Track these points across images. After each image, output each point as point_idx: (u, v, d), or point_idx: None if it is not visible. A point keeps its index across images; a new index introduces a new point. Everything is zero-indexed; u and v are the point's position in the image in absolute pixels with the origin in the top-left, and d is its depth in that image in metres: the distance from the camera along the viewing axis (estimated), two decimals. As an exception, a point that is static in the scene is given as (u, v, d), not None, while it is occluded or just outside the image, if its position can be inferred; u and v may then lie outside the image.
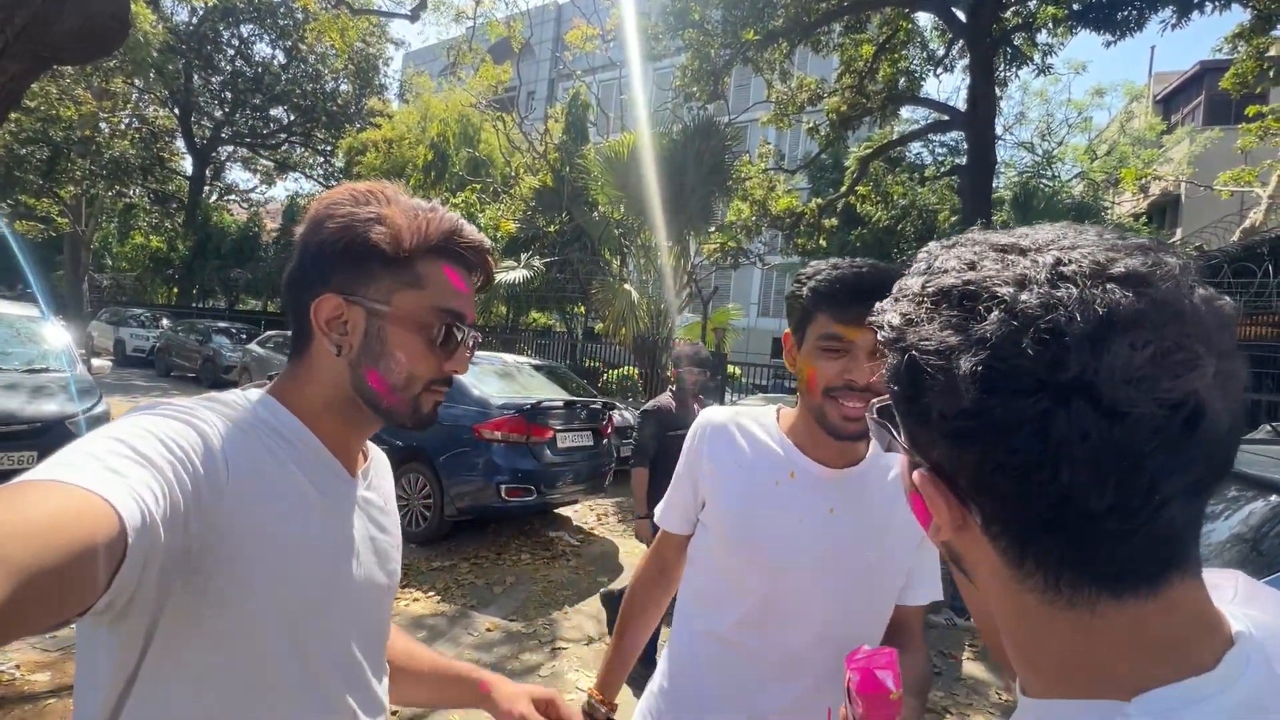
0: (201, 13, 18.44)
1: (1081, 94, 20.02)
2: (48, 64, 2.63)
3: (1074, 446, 0.30)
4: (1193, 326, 0.31)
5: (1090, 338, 0.30)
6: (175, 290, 22.50)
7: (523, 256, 10.54)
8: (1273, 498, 1.99)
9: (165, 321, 16.54)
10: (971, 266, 0.36)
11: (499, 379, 5.39)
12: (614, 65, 12.04)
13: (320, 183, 24.37)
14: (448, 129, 13.24)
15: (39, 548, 0.41)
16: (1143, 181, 14.91)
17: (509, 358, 6.03)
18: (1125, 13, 9.52)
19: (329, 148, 22.65)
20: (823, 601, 0.99)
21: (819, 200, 14.26)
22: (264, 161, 25.07)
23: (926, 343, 0.35)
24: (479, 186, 12.36)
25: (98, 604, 0.47)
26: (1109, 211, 13.76)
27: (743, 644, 1.01)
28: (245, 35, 20.85)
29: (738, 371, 11.72)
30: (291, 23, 19.04)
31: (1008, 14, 10.34)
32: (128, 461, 0.51)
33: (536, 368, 6.54)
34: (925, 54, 12.35)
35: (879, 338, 0.40)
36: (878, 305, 0.42)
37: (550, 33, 26.63)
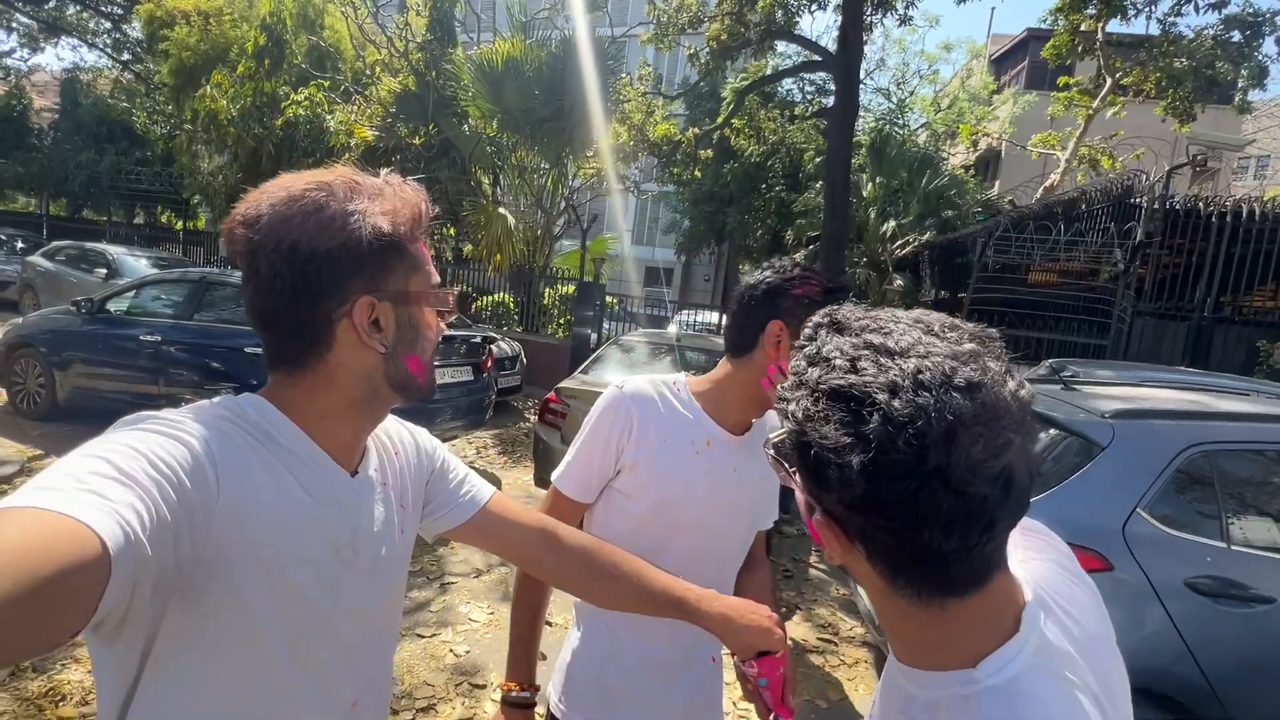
0: None
1: (933, 47, 21.60)
2: None
3: (932, 513, 0.43)
4: (1007, 417, 0.43)
5: (943, 438, 0.42)
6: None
7: (383, 171, 9.46)
8: (1052, 431, 2.47)
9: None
10: (853, 367, 0.46)
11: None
12: (484, -44, 10.82)
13: (109, 54, 19.80)
14: (283, 7, 11.23)
15: (10, 578, 0.40)
16: (974, 137, 16.68)
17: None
18: (976, -26, 10.22)
19: (119, 10, 18.34)
20: (725, 547, 1.17)
21: (695, 130, 14.30)
22: (22, 19, 19.75)
23: (825, 440, 0.45)
24: (326, 83, 10.78)
25: (89, 624, 0.47)
26: (946, 162, 15.30)
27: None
28: None
29: (613, 301, 11.84)
30: None
31: (880, -41, 10.67)
32: (110, 482, 0.50)
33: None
34: (802, -12, 12.48)
35: (785, 425, 0.50)
36: (780, 392, 0.52)
37: (405, -99, 23.12)
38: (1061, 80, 13.24)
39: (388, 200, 0.69)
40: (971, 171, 16.91)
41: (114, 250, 9.91)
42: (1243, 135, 17.63)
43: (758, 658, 0.95)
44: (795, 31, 12.41)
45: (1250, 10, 9.44)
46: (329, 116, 10.51)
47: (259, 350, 5.00)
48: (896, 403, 0.43)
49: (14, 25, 20.00)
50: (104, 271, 9.37)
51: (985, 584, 0.48)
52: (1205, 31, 10.33)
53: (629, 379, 1.17)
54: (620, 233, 17.80)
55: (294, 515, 0.65)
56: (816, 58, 11.93)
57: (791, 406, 0.49)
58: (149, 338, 4.96)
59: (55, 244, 10.42)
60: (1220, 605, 1.97)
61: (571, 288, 9.86)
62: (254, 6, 12.00)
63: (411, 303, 0.71)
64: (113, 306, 5.37)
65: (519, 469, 5.73)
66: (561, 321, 10.23)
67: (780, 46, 15.65)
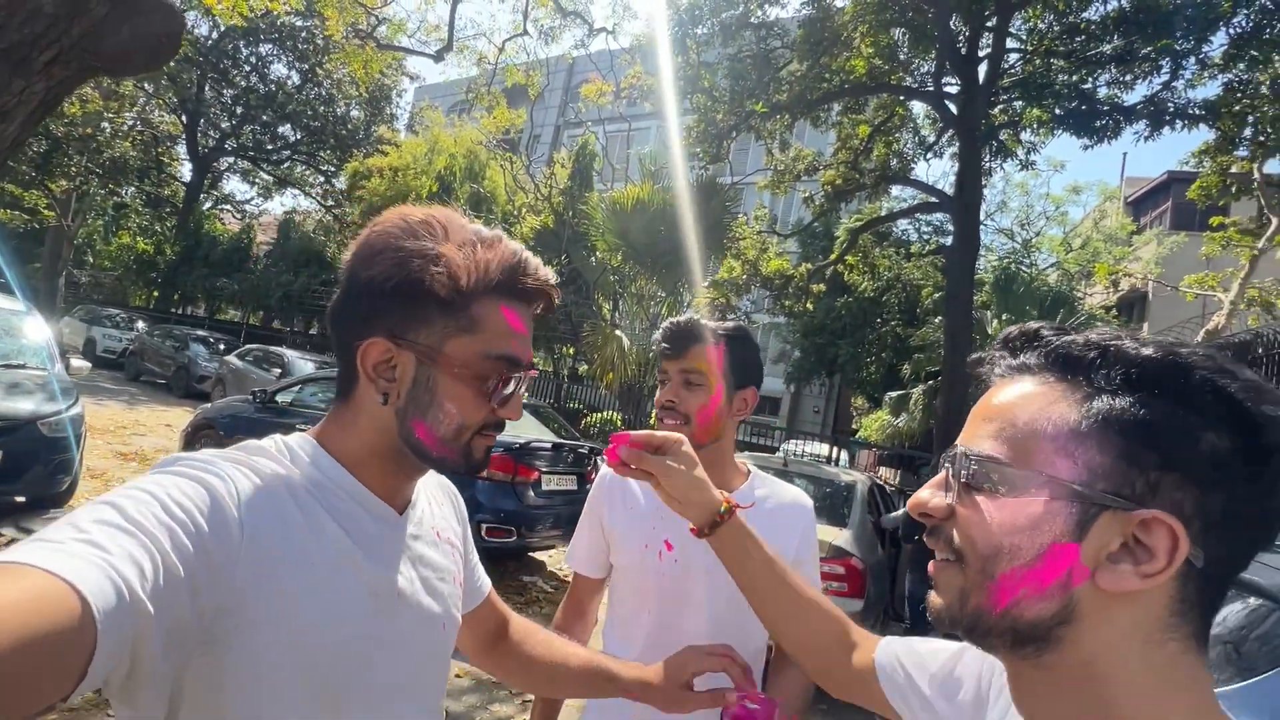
0: (223, 29, 18.82)
1: (1059, 190, 21.20)
2: (95, 73, 2.67)
3: None
4: None
5: None
6: (155, 294, 22.14)
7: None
8: (1253, 601, 2.05)
9: (141, 324, 16.20)
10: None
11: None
12: (623, 119, 12.49)
13: (318, 201, 24.50)
14: (455, 163, 13.52)
15: None
16: (1114, 277, 15.67)
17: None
18: (1102, 121, 10.20)
19: (332, 169, 22.90)
20: (712, 614, 1.12)
21: (808, 265, 14.72)
22: (264, 175, 25.20)
23: (1264, 399, 0.42)
24: (480, 220, 12.55)
25: (81, 689, 0.42)
26: (1081, 302, 14.38)
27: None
28: (263, 54, 21.27)
29: (719, 425, 11.78)
30: (311, 47, 19.50)
31: (996, 111, 11.01)
32: (113, 531, 0.46)
33: (523, 404, 6.53)
34: (918, 139, 13.05)
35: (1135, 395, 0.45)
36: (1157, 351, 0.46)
37: (561, 82, 27.59)
38: (1215, 220, 12.35)
39: (451, 251, 0.62)
40: (1114, 313, 15.71)
41: (289, 353, 11.59)
42: None
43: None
44: (910, 175, 12.81)
45: None
46: (478, 249, 12.08)
47: None
48: (1267, 388, 0.42)
49: (256, 180, 25.61)
50: (279, 370, 10.93)
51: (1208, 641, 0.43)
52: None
53: None
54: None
55: (329, 561, 0.60)
56: (933, 199, 12.16)
57: (1133, 348, 0.44)
58: (303, 426, 5.60)
59: (247, 347, 12.39)
60: None
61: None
62: (432, 163, 14.53)
63: (440, 364, 0.63)
64: (280, 398, 6.19)
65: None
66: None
67: (895, 189, 16.14)
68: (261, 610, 0.55)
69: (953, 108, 10.44)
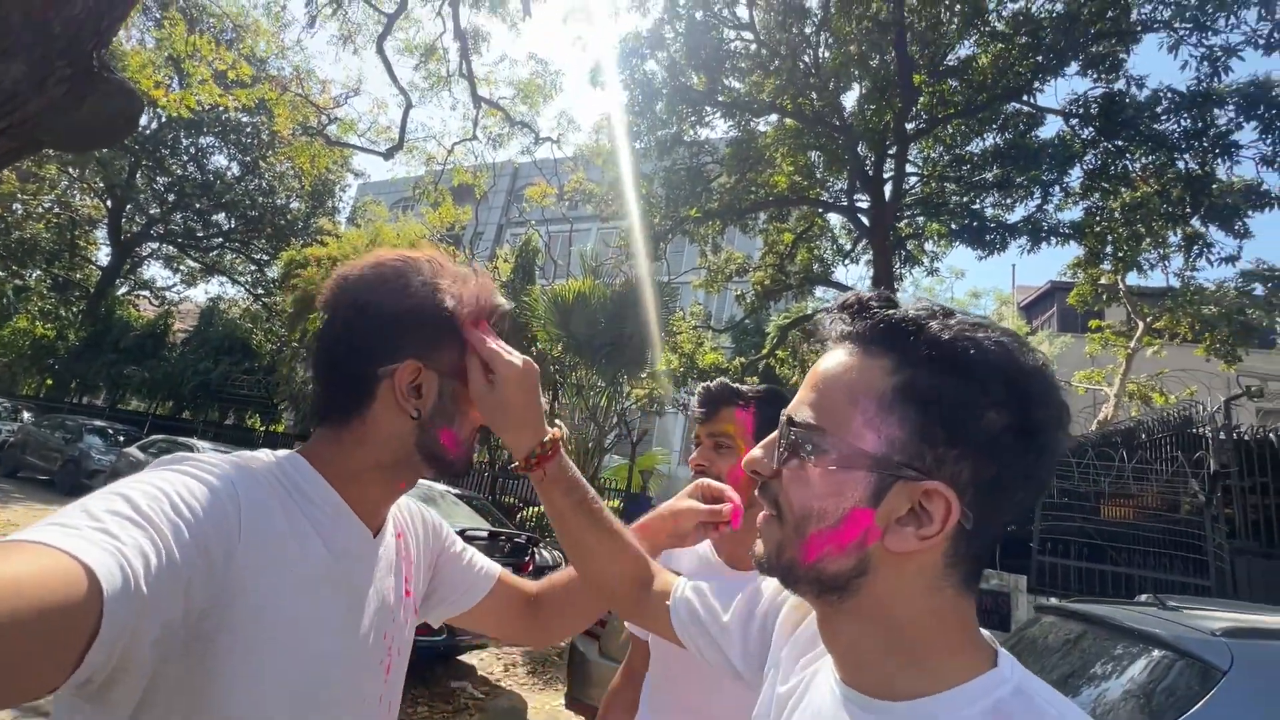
0: (164, 119, 18.84)
1: (962, 295, 23.48)
2: (40, 148, 2.66)
3: (1043, 474, 0.48)
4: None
5: (1062, 415, 0.49)
6: (50, 382, 20.31)
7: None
8: (1155, 653, 2.20)
9: (26, 415, 14.72)
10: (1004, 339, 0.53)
11: (421, 503, 5.12)
12: (565, 220, 13.12)
13: (247, 289, 23.79)
14: (396, 255, 13.64)
15: None
16: (1016, 373, 17.06)
17: (434, 484, 5.80)
18: (991, 236, 11.58)
19: (266, 257, 22.50)
20: (737, 697, 1.11)
21: (742, 359, 15.38)
22: (190, 262, 24.39)
23: (1023, 360, 0.48)
24: (420, 311, 12.53)
25: (71, 680, 0.42)
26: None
27: None
28: (204, 145, 21.30)
29: (659, 518, 11.60)
30: (256, 141, 19.74)
31: (902, 224, 12.33)
32: (124, 522, 0.47)
33: (459, 496, 6.28)
34: (836, 246, 14.32)
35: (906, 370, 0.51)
36: (935, 325, 0.51)
37: (505, 184, 28.86)
38: (1093, 324, 13.92)
39: (458, 282, 0.73)
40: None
41: (201, 444, 10.75)
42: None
43: None
44: (831, 278, 13.92)
45: (1266, 266, 10.11)
46: (416, 338, 11.96)
47: None
48: (1045, 370, 0.48)
49: (181, 267, 24.71)
50: (186, 464, 10.08)
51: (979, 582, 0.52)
52: (1226, 284, 10.99)
53: None
54: (671, 451, 18.10)
55: (312, 569, 0.63)
56: (853, 300, 13.12)
57: (939, 329, 0.48)
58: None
59: (151, 437, 11.42)
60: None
61: (619, 501, 9.83)
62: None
63: (460, 381, 0.73)
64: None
65: (549, 691, 5.16)
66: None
67: (819, 290, 17.38)
68: (244, 614, 0.56)
69: (865, 220, 11.62)
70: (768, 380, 17.12)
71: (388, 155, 9.01)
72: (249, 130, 19.94)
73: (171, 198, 21.67)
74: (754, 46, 10.93)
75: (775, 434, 0.56)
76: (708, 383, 1.25)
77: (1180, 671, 2.06)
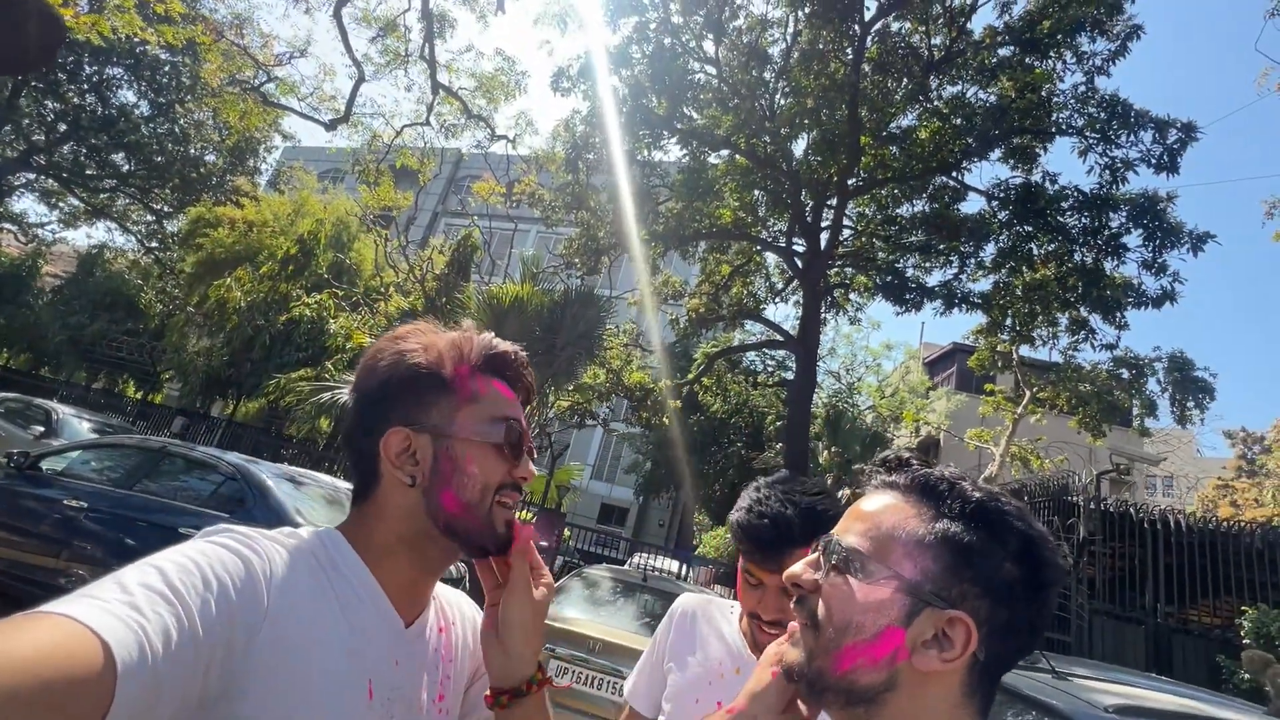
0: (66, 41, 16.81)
1: (876, 344, 25.06)
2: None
3: (1048, 618, 0.58)
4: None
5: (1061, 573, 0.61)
6: None
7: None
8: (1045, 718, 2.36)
9: None
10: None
11: (326, 505, 4.76)
12: (509, 219, 12.83)
13: (140, 240, 21.50)
14: (321, 229, 12.78)
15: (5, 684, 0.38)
16: (916, 424, 18.36)
17: (341, 484, 5.41)
18: (910, 296, 12.43)
19: (168, 209, 20.47)
20: None
21: (668, 381, 15.56)
22: (75, 201, 21.75)
23: (1031, 529, 0.58)
24: (341, 292, 11.77)
25: None
26: (892, 441, 16.58)
27: None
28: (111, 76, 19.14)
29: (568, 534, 11.43)
30: (174, 83, 17.97)
31: (832, 273, 12.99)
32: (155, 597, 0.48)
33: (364, 498, 5.89)
34: (769, 285, 14.88)
35: (954, 524, 0.58)
36: (968, 488, 0.60)
37: (447, 172, 27.95)
38: (988, 387, 15.18)
39: (428, 337, 0.73)
40: (915, 454, 18.23)
41: (60, 409, 9.52)
42: (1155, 453, 19.80)
43: None
44: (762, 314, 14.42)
45: (1133, 355, 11.44)
46: (333, 321, 11.21)
47: (192, 533, 4.74)
48: (1049, 538, 0.58)
49: (61, 204, 21.96)
50: (40, 429, 8.86)
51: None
52: (1100, 366, 12.32)
53: (690, 594, 1.21)
54: (586, 465, 17.97)
55: (333, 657, 0.61)
56: (779, 337, 13.70)
57: (969, 490, 0.58)
58: (72, 502, 4.55)
59: (1, 394, 9.99)
60: None
61: (529, 514, 9.59)
62: (295, 224, 13.62)
63: (455, 436, 0.69)
64: (47, 465, 5.01)
65: None
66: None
67: (748, 324, 17.96)
68: (262, 698, 0.55)
69: (799, 263, 12.14)
70: (690, 406, 17.42)
71: (330, 126, 8.46)
72: (168, 70, 18.12)
73: (63, 127, 19.25)
74: (716, 81, 11.22)
75: (815, 555, 0.62)
76: (761, 513, 0.99)
77: (1072, 741, 2.21)
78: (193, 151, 19.27)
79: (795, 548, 0.97)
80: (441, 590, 0.79)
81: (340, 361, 10.59)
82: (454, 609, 0.82)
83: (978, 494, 0.58)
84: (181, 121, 18.91)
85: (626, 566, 7.81)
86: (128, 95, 19.41)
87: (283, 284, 11.71)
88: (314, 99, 9.56)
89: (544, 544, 8.47)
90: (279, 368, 11.84)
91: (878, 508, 0.61)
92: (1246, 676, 5.42)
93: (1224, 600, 6.96)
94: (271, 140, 20.29)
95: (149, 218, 21.69)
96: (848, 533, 0.60)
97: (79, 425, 9.10)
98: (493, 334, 0.77)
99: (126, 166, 20.33)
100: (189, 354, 12.62)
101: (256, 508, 4.23)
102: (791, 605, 0.61)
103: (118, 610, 0.45)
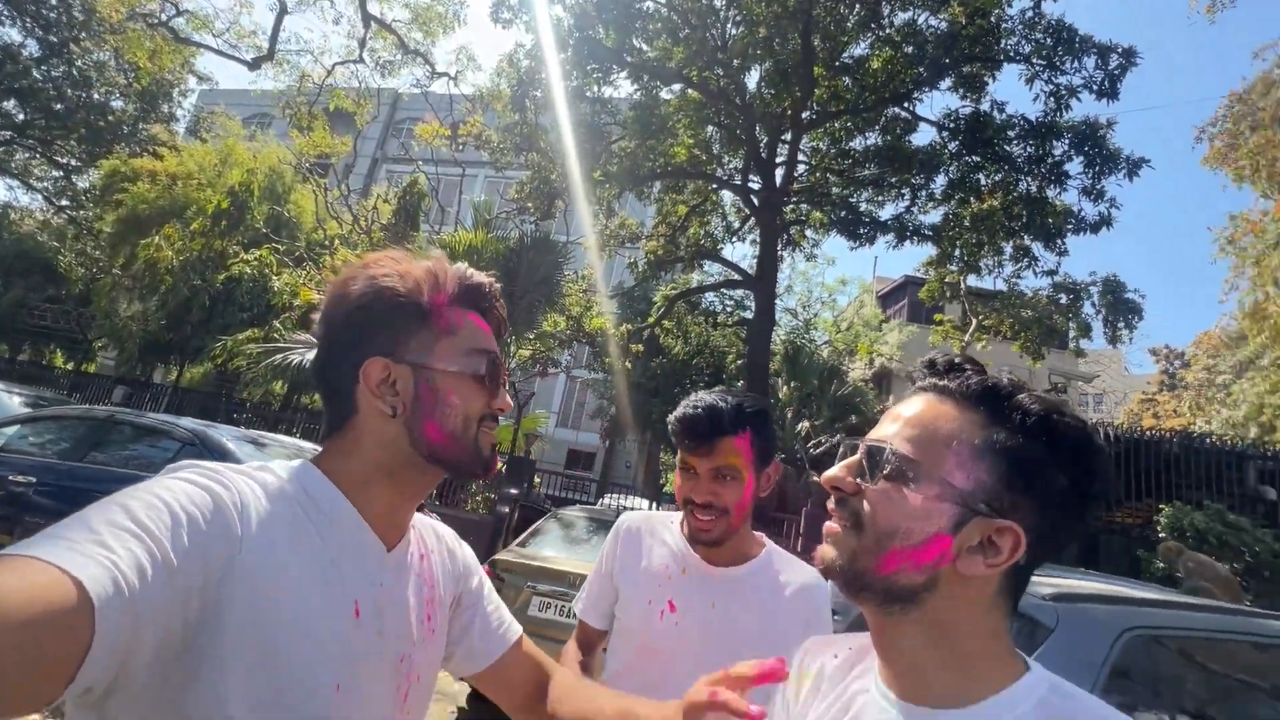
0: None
1: (831, 280, 25.53)
2: None
3: (1084, 517, 0.58)
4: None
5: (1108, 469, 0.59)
6: None
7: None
8: None
9: None
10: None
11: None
12: (456, 163, 12.28)
13: (47, 198, 19.72)
14: (253, 179, 11.96)
15: None
16: (871, 356, 19.00)
17: (305, 444, 5.30)
18: (864, 230, 12.60)
19: (75, 163, 18.74)
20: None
21: (628, 326, 15.56)
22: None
23: (1077, 428, 0.57)
24: (281, 247, 11.16)
25: (68, 692, 0.42)
26: (847, 374, 17.18)
27: None
28: (-12, 11, 16.95)
29: (538, 480, 11.58)
30: (65, 18, 16.09)
31: (788, 210, 13.01)
32: (122, 534, 0.47)
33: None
34: (725, 224, 14.82)
35: (993, 432, 0.58)
36: (1006, 386, 0.59)
37: (385, 115, 26.33)
38: (937, 317, 15.74)
39: (402, 264, 0.71)
40: (869, 385, 18.95)
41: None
42: (1088, 372, 21.12)
43: None
44: (720, 254, 14.42)
45: (1070, 280, 12.00)
46: (276, 278, 10.68)
47: None
48: (1105, 451, 0.57)
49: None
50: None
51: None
52: (1041, 291, 12.90)
53: (631, 512, 1.29)
54: (550, 412, 18.05)
55: (313, 583, 0.61)
56: (738, 277, 13.79)
57: (1030, 402, 0.57)
58: (18, 478, 4.34)
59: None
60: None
61: (501, 464, 9.65)
62: (223, 176, 12.71)
63: (435, 368, 0.69)
64: (-15, 441, 4.74)
65: (428, 659, 5.04)
66: (480, 498, 9.80)
67: (707, 265, 17.96)
68: (241, 624, 0.55)
69: (755, 200, 12.10)
70: (651, 350, 17.54)
71: (253, 65, 7.79)
72: (55, 4, 16.19)
73: (-62, 71, 17.14)
74: (665, 10, 10.76)
75: (856, 458, 0.62)
76: (695, 406, 1.13)
77: (1016, 630, 2.45)
78: (97, 97, 17.48)
79: (727, 436, 1.09)
80: (417, 518, 0.79)
81: (288, 320, 10.14)
82: (431, 535, 0.81)
83: (1037, 405, 0.57)
84: (79, 63, 17.06)
85: (598, 507, 8.01)
86: (11, 34, 17.34)
87: (217, 240, 11.00)
88: (231, 35, 8.74)
89: (512, 492, 8.58)
90: (223, 329, 11.27)
91: (928, 414, 0.59)
92: (1161, 565, 6.05)
93: (1145, 502, 7.66)
94: (186, 83, 18.64)
95: (55, 173, 19.86)
96: (899, 439, 0.59)
97: (9, 400, 8.55)
98: (466, 264, 0.76)
99: (21, 115, 18.39)
100: (121, 319, 11.87)
101: (219, 472, 4.13)
102: (831, 505, 0.62)
103: (86, 549, 0.44)
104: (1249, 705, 2.50)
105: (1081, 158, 8.70)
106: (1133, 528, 7.42)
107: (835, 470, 0.62)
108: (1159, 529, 6.87)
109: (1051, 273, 10.00)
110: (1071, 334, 13.67)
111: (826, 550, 0.61)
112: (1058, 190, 9.22)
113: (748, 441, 1.11)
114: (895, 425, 0.61)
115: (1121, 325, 12.37)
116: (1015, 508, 0.55)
